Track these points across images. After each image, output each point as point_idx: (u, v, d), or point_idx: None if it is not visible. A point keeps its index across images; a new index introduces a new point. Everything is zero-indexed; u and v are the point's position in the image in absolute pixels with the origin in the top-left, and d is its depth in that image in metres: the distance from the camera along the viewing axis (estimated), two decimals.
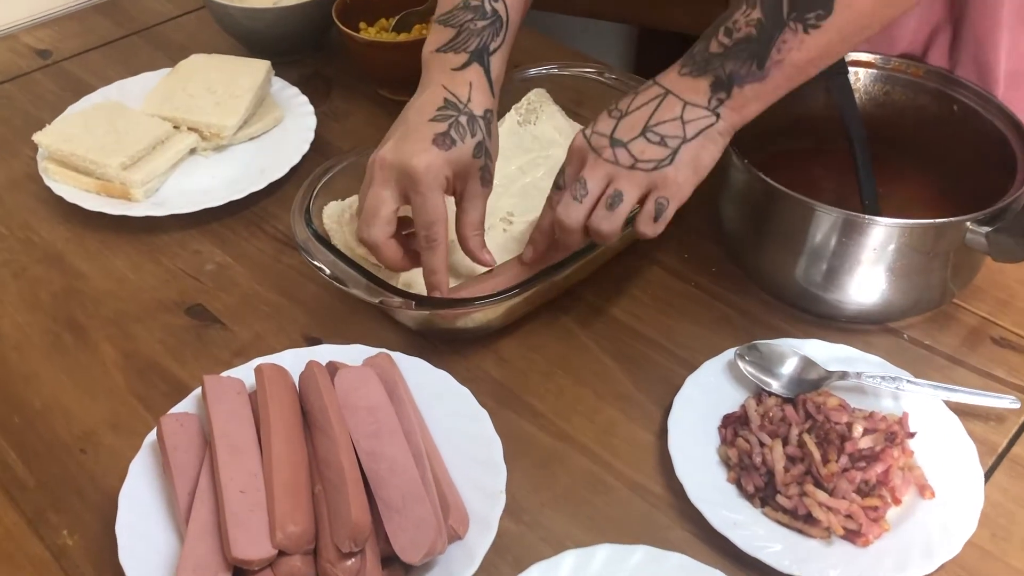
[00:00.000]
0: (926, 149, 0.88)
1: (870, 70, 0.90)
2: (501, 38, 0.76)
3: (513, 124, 0.97)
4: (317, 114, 1.03)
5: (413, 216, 0.73)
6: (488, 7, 0.75)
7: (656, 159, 0.68)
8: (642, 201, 0.70)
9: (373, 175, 0.72)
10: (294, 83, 1.08)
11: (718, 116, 0.68)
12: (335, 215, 0.86)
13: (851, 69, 0.88)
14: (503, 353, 0.79)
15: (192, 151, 0.99)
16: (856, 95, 0.89)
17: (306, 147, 0.98)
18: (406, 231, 0.76)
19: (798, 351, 0.76)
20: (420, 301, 0.73)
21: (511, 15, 0.77)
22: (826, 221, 0.75)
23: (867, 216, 0.75)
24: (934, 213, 0.73)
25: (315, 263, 0.76)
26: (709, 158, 0.69)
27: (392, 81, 1.08)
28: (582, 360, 0.79)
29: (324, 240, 0.78)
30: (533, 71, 1.00)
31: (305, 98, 1.05)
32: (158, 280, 0.87)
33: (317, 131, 1.01)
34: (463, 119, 0.72)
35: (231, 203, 0.92)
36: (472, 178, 0.74)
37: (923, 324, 0.81)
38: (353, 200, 0.87)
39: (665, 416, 0.73)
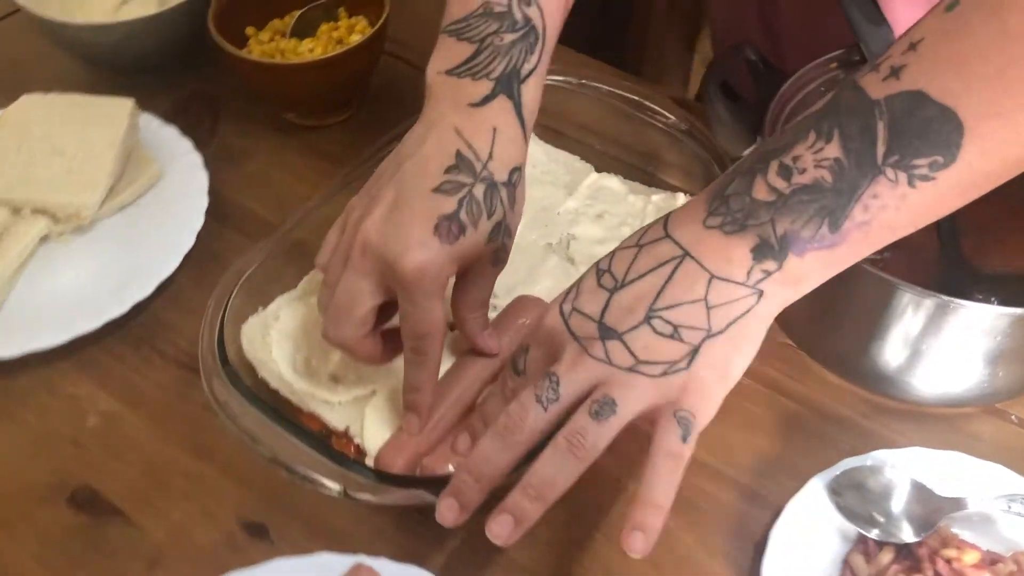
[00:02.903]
0: None
1: None
2: (536, 58, 0.55)
3: None
4: (206, 159, 0.78)
5: (400, 321, 0.55)
6: (519, 15, 0.54)
7: (666, 361, 0.46)
8: (649, 418, 0.47)
9: (351, 255, 0.53)
10: (169, 116, 0.82)
11: (760, 294, 0.46)
12: (256, 335, 0.63)
13: None
14: None
15: (44, 237, 0.73)
16: None
17: (200, 219, 0.74)
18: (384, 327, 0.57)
19: (901, 471, 0.58)
20: (396, 482, 0.53)
21: (548, 26, 0.56)
22: (916, 304, 0.58)
23: (969, 303, 0.56)
24: None
25: (256, 446, 0.53)
26: (744, 358, 0.47)
27: (298, 103, 0.83)
28: (622, 508, 0.60)
29: (256, 398, 0.56)
30: None
31: (189, 143, 0.79)
32: (23, 451, 0.62)
33: (210, 186, 0.76)
34: (479, 190, 0.52)
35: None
36: (481, 260, 0.55)
37: None
38: (278, 308, 0.65)
39: None
